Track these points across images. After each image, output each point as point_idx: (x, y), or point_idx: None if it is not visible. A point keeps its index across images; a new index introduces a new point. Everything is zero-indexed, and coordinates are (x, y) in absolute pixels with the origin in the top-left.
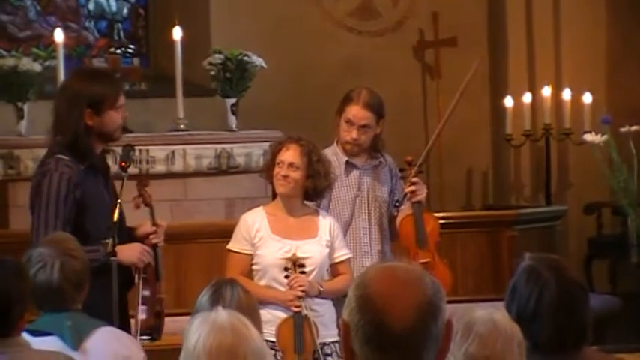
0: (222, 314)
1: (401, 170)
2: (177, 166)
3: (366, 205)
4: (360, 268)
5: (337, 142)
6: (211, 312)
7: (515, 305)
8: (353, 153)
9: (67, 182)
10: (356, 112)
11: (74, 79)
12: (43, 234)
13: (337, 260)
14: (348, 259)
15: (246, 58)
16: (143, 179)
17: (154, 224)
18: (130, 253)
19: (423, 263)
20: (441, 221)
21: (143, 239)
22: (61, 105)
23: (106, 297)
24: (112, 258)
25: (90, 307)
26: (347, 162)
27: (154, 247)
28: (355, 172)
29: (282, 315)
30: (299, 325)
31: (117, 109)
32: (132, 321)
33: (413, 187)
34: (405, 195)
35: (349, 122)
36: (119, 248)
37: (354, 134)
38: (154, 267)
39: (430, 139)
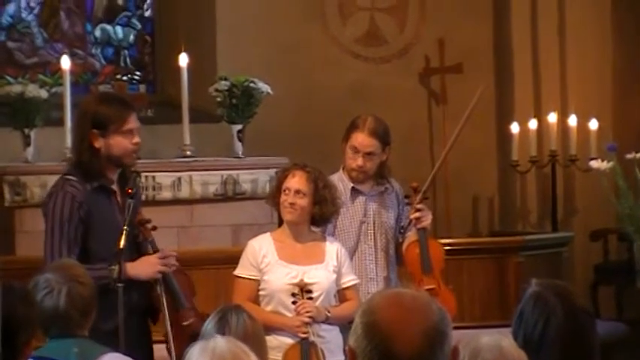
0: (220, 342)
1: (406, 197)
2: (184, 193)
3: (372, 231)
4: (366, 294)
5: (343, 169)
6: (209, 340)
7: (522, 332)
8: (359, 180)
9: (71, 201)
10: (362, 139)
11: (85, 100)
12: (49, 257)
13: (344, 286)
14: (356, 284)
15: (252, 85)
16: (142, 219)
17: (155, 250)
18: (143, 267)
19: (427, 290)
20: (448, 247)
21: None
22: (72, 124)
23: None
24: (119, 284)
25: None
26: (353, 188)
27: (167, 276)
28: (361, 198)
29: (289, 341)
30: (306, 351)
31: (125, 134)
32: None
33: (418, 214)
34: (410, 221)
35: (355, 149)
36: (130, 266)
37: (360, 161)
38: (164, 299)
39: (436, 165)
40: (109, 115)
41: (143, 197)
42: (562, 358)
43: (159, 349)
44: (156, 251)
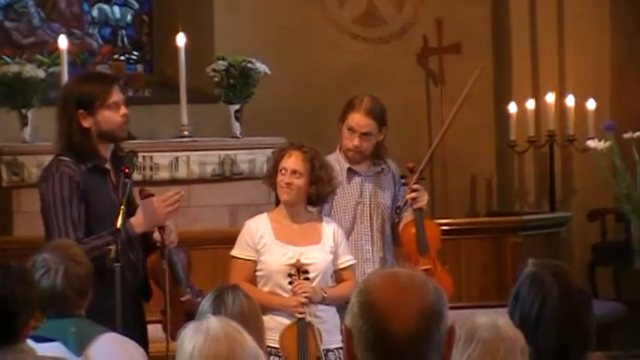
0: (213, 322)
1: (403, 177)
2: (181, 173)
3: (368, 211)
4: (362, 274)
5: (340, 149)
6: (203, 321)
7: (519, 311)
8: (355, 160)
9: (69, 181)
10: (358, 119)
11: (67, 83)
12: (57, 238)
13: (341, 266)
14: (352, 265)
15: (249, 65)
16: (147, 193)
17: (161, 226)
18: (150, 217)
19: (423, 270)
20: (445, 227)
21: (155, 244)
22: (57, 109)
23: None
24: (116, 264)
25: (97, 312)
26: (349, 169)
27: (168, 250)
28: (357, 179)
29: (286, 321)
30: (303, 331)
31: (111, 107)
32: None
33: (414, 194)
34: (406, 201)
35: (351, 129)
36: (135, 223)
37: (356, 142)
38: (165, 272)
39: (432, 145)
40: (91, 92)
41: (140, 177)
42: (558, 338)
43: (152, 329)
44: (161, 228)
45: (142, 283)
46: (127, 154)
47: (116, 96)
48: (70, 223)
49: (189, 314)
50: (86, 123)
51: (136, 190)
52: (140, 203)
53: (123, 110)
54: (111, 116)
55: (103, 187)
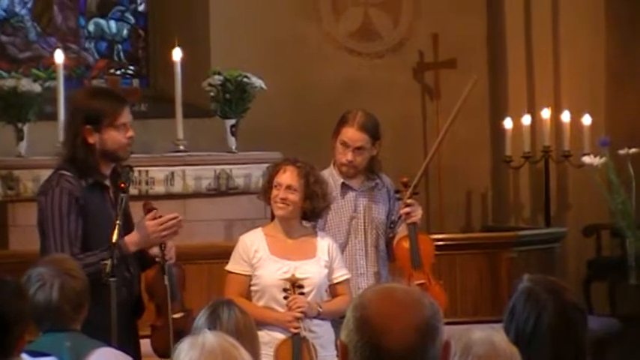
0: (209, 337)
1: (397, 192)
2: (177, 187)
3: (362, 226)
4: (356, 289)
5: (334, 164)
6: (199, 335)
7: (514, 327)
8: (349, 175)
9: (68, 196)
10: (351, 134)
11: (77, 95)
12: (52, 252)
13: (336, 281)
14: (347, 279)
15: (245, 80)
16: (151, 207)
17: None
18: (142, 237)
19: (417, 284)
20: (440, 243)
21: (153, 260)
22: (64, 120)
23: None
24: (111, 279)
25: (91, 327)
26: (343, 184)
27: (167, 266)
28: (351, 194)
29: (281, 336)
30: (297, 346)
31: (118, 128)
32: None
33: (407, 209)
34: (400, 216)
35: (344, 144)
36: (130, 242)
37: (349, 156)
38: (166, 288)
39: (426, 158)
40: (102, 109)
41: (136, 192)
42: (552, 353)
43: (144, 344)
44: (161, 244)
45: (136, 299)
46: (123, 168)
47: (125, 117)
48: (67, 237)
49: (180, 332)
50: (91, 139)
51: (140, 204)
52: (137, 223)
53: (129, 133)
54: (117, 137)
55: (102, 204)
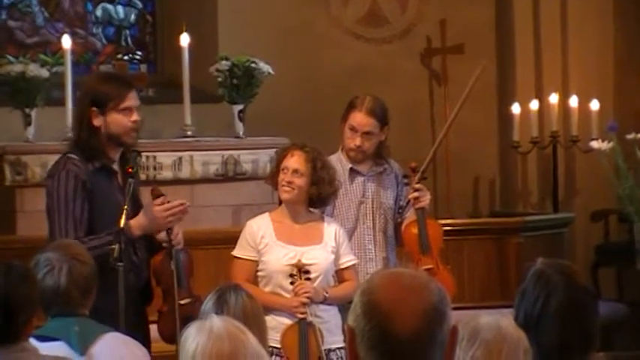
0: (217, 321)
1: (405, 177)
2: (184, 173)
3: (371, 211)
4: (365, 274)
5: (342, 149)
6: (206, 320)
7: (523, 308)
8: (357, 160)
9: (74, 179)
10: (359, 119)
11: (87, 79)
12: (57, 237)
13: (343, 266)
14: (354, 265)
15: (253, 65)
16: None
17: (169, 227)
18: (149, 222)
19: (425, 269)
20: (448, 228)
21: (161, 245)
22: (75, 103)
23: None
24: (119, 264)
25: (98, 312)
26: (351, 169)
27: (174, 251)
28: (359, 179)
29: (288, 321)
30: (304, 331)
31: (122, 112)
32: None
33: (416, 194)
34: (409, 201)
35: (353, 129)
36: (135, 226)
37: (358, 141)
38: (173, 274)
39: (434, 144)
40: (107, 92)
41: (144, 177)
42: (561, 335)
43: (153, 330)
44: (168, 229)
45: (144, 284)
46: (131, 153)
47: (130, 101)
48: (72, 221)
49: (187, 318)
50: (96, 122)
51: (147, 190)
52: (143, 207)
53: (134, 117)
54: (121, 120)
55: (109, 188)
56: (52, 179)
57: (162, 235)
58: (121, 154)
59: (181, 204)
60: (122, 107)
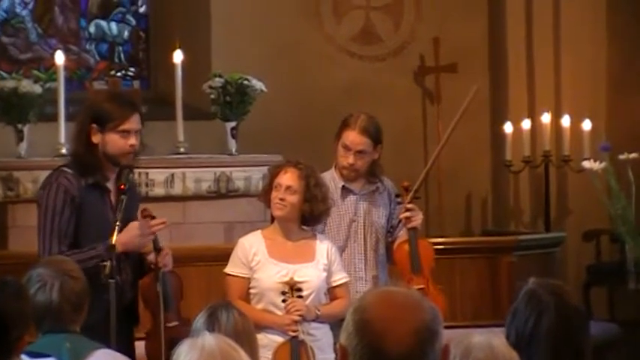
0: (209, 339)
1: (397, 196)
2: (177, 190)
3: (362, 230)
4: (355, 293)
5: (335, 167)
6: (198, 338)
7: (514, 328)
8: (350, 178)
9: (64, 194)
10: (353, 137)
11: (94, 94)
12: (41, 250)
13: (335, 284)
14: (346, 283)
15: (246, 82)
16: (148, 214)
17: (158, 249)
18: (129, 239)
19: (417, 289)
20: (440, 246)
21: (150, 266)
22: (77, 116)
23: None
24: (110, 280)
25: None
26: (343, 187)
27: (162, 273)
28: (351, 197)
29: (279, 339)
30: (296, 349)
31: (121, 133)
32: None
33: (408, 214)
34: (400, 220)
35: (346, 147)
36: (118, 243)
37: (351, 159)
38: (159, 295)
39: (428, 163)
40: (109, 111)
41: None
42: (552, 355)
43: (139, 346)
44: (157, 249)
45: (128, 304)
46: (123, 170)
47: (131, 125)
48: (56, 234)
49: (173, 341)
50: (95, 138)
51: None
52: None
53: (132, 140)
54: (118, 141)
55: (100, 205)
56: (43, 191)
57: (152, 257)
58: (118, 172)
59: (162, 222)
60: (121, 129)
